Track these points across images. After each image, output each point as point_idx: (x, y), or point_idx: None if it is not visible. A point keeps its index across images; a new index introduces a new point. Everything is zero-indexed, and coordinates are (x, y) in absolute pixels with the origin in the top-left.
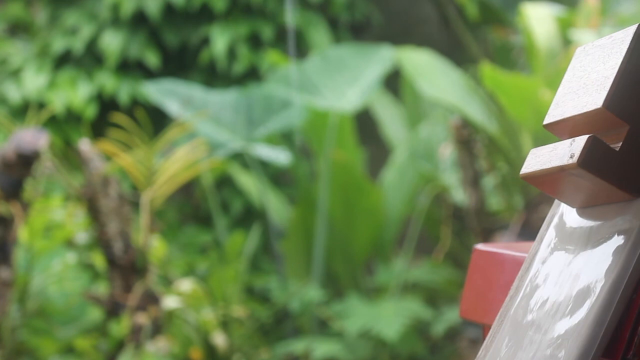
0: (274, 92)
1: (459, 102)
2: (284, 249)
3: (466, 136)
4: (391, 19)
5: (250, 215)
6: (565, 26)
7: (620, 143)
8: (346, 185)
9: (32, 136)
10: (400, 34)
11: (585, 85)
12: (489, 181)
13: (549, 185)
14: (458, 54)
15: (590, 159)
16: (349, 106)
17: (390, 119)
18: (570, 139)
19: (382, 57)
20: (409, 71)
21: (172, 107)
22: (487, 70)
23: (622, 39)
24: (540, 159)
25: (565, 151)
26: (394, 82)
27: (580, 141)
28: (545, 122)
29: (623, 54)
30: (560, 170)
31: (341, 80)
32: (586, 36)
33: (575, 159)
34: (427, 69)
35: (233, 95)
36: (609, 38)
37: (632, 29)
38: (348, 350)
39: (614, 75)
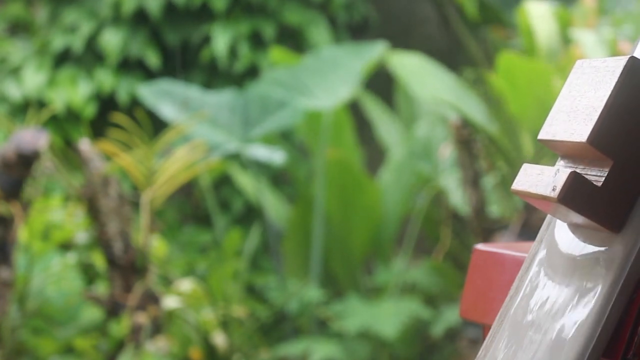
0: (270, 92)
1: (453, 102)
2: (282, 248)
3: (466, 136)
4: (391, 19)
5: (250, 215)
6: (564, 24)
7: (604, 177)
8: (343, 182)
9: (32, 136)
10: (400, 34)
11: (576, 109)
12: (489, 181)
13: (537, 205)
14: (458, 55)
15: (570, 196)
16: (337, 100)
17: (381, 121)
18: (556, 168)
19: (373, 53)
20: (401, 75)
21: (166, 110)
22: (505, 57)
23: (613, 69)
24: (529, 179)
25: (550, 180)
26: (387, 84)
27: (563, 175)
28: (540, 137)
29: (612, 86)
30: (543, 199)
31: (335, 79)
32: (585, 35)
33: (556, 193)
34: (420, 72)
35: (229, 96)
36: (603, 62)
37: (623, 60)
38: (347, 351)
39: (601, 108)
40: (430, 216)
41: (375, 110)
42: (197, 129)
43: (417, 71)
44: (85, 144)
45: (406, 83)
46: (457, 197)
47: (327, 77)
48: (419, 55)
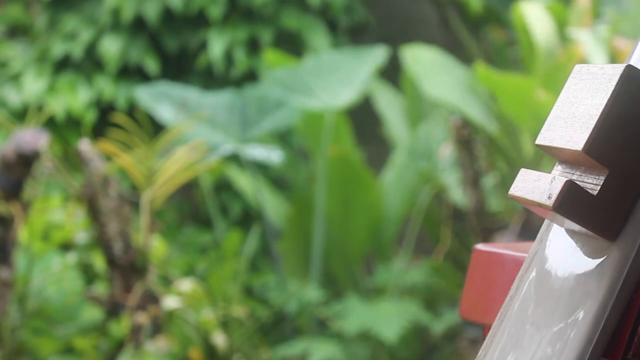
0: (268, 92)
1: (459, 102)
2: (281, 248)
3: (466, 136)
4: (391, 20)
5: (249, 218)
6: (561, 23)
7: (600, 186)
8: (344, 180)
9: (32, 136)
10: (400, 35)
11: (573, 115)
12: (489, 181)
13: (534, 210)
14: (458, 55)
15: (565, 205)
16: (342, 102)
17: (394, 116)
18: (553, 175)
19: (375, 56)
20: (413, 69)
21: (163, 112)
22: (481, 70)
23: (610, 77)
24: (526, 185)
25: (546, 188)
26: (393, 81)
27: (559, 183)
28: (537, 142)
29: (608, 95)
30: (539, 206)
31: (335, 81)
32: (583, 34)
33: (551, 202)
34: (432, 66)
35: (228, 96)
36: (601, 69)
37: (620, 68)
38: (347, 351)
39: (597, 117)
40: (430, 216)
41: (386, 103)
42: (195, 129)
43: (429, 66)
44: (85, 144)
45: (417, 78)
46: (458, 196)
47: (329, 79)
48: (432, 49)
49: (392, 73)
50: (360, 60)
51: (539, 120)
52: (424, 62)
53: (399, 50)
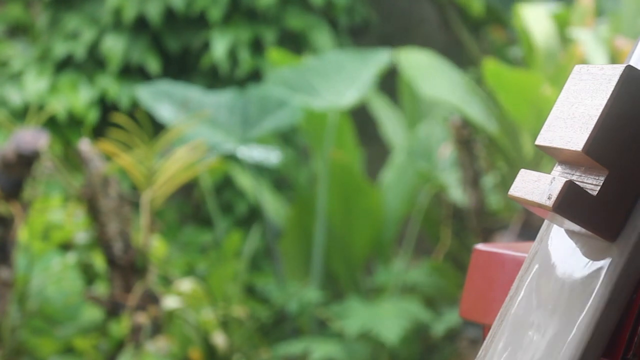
0: (270, 92)
1: (458, 102)
2: (282, 248)
3: (466, 136)
4: (391, 20)
5: (255, 216)
6: (561, 24)
7: (600, 186)
8: (345, 185)
9: (32, 136)
10: (400, 34)
11: (573, 116)
12: (489, 181)
13: (534, 211)
14: (458, 55)
15: (565, 205)
16: (345, 102)
17: (389, 120)
18: (552, 176)
19: (379, 59)
20: (408, 72)
21: (163, 112)
22: (490, 65)
23: (609, 78)
24: (526, 185)
25: (545, 188)
26: (390, 84)
27: (558, 184)
28: (537, 143)
29: (608, 95)
30: (539, 207)
31: (339, 81)
32: (584, 34)
33: (551, 202)
34: (427, 69)
35: (229, 96)
36: (601, 69)
37: (619, 69)
38: (347, 351)
39: (597, 117)
40: (430, 216)
41: (382, 109)
42: (196, 129)
43: (424, 69)
44: (85, 144)
45: (412, 81)
46: (457, 195)
47: (333, 79)
48: (427, 52)
49: (388, 75)
50: (365, 62)
51: (541, 120)
52: (419, 65)
53: (396, 52)
